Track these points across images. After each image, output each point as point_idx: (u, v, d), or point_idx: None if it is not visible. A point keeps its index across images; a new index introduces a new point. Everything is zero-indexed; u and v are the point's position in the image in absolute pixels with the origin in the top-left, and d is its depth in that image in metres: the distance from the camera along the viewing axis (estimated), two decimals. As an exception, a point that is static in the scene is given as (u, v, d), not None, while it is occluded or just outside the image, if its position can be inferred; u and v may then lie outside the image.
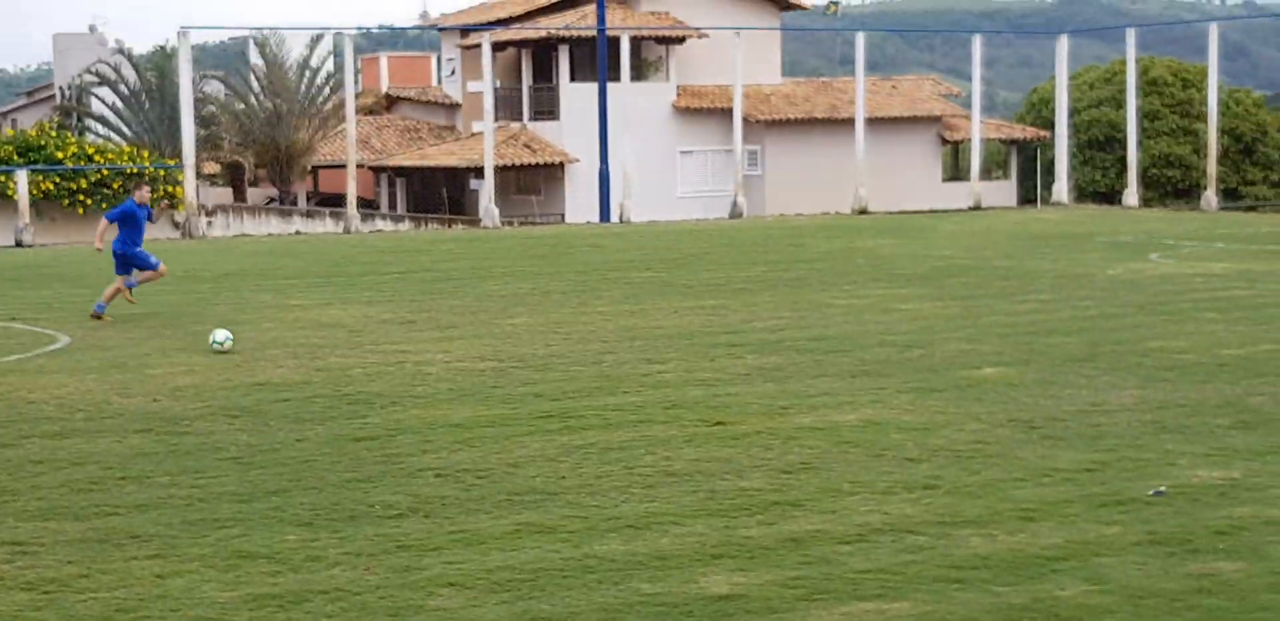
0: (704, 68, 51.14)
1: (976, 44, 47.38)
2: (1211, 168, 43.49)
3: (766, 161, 50.68)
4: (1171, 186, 51.49)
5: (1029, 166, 51.14)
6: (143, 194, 20.42)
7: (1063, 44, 47.74)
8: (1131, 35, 46.60)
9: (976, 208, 44.37)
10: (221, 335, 16.64)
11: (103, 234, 20.35)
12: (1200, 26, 50.70)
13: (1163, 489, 9.85)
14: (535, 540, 8.98)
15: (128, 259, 19.99)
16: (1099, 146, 52.03)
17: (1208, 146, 44.10)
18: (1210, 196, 42.98)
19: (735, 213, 43.10)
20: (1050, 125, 49.11)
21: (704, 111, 50.67)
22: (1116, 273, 24.11)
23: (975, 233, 34.17)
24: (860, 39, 45.89)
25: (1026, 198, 50.69)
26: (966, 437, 11.68)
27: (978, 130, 46.75)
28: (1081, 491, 9.91)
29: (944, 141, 53.58)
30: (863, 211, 42.59)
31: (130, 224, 19.92)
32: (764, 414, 12.75)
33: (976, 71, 46.83)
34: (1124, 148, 46.63)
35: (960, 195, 47.15)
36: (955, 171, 54.08)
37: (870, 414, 12.72)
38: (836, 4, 55.46)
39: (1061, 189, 46.72)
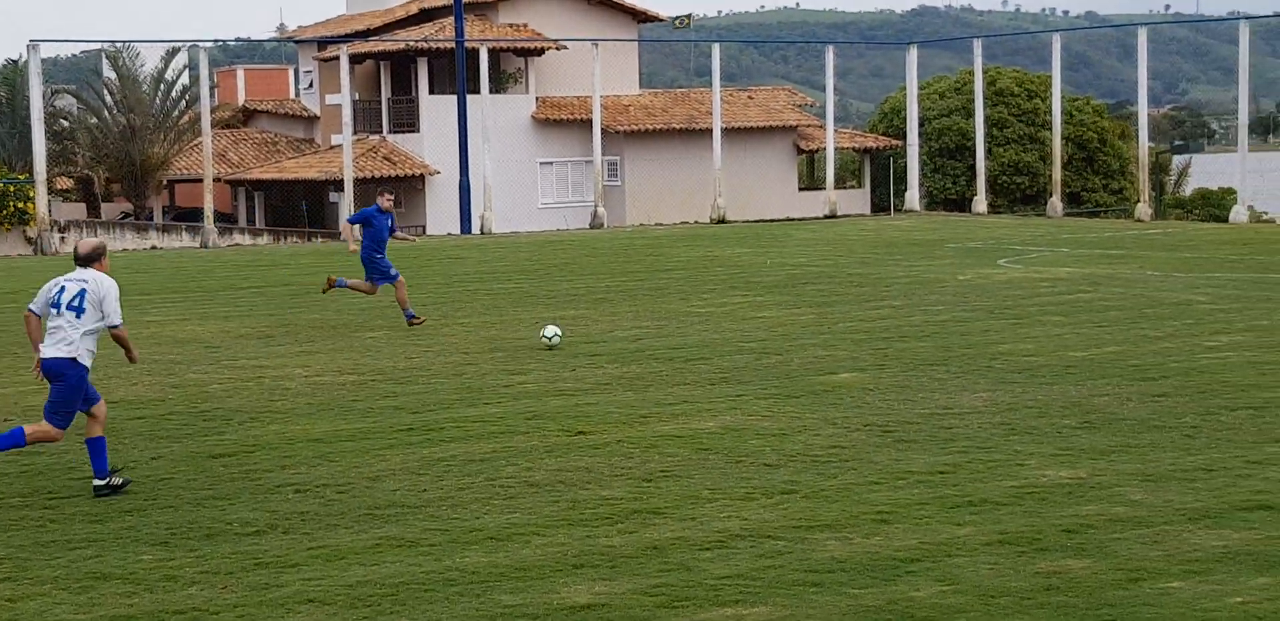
0: (563, 79, 51.27)
1: (829, 55, 48.07)
2: (1056, 175, 44.51)
3: (626, 172, 50.91)
4: (1019, 193, 52.58)
5: (882, 175, 51.92)
6: (384, 200, 20.05)
7: (912, 55, 48.59)
8: (978, 46, 47.59)
9: (832, 216, 44.94)
10: (551, 331, 17.58)
11: (352, 235, 20.13)
12: (1044, 37, 51.89)
13: None
14: (396, 554, 8.97)
15: (369, 264, 19.83)
16: (949, 154, 52.97)
17: (1053, 154, 45.14)
18: (1055, 203, 43.99)
19: (596, 223, 43.22)
20: (902, 134, 49.94)
21: (563, 123, 50.80)
22: (967, 278, 24.58)
23: (830, 240, 34.62)
24: (716, 50, 46.32)
25: (880, 205, 51.46)
26: (823, 442, 11.87)
27: (832, 140, 47.41)
28: (934, 493, 10.13)
29: (799, 151, 54.21)
30: (721, 220, 42.93)
31: (372, 229, 19.72)
32: (624, 423, 12.84)
33: (830, 82, 47.48)
34: (973, 156, 47.56)
35: (816, 203, 47.76)
36: (811, 180, 54.75)
37: (729, 421, 12.87)
38: (689, 16, 55.83)
39: (913, 196, 47.55)
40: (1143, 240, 33.03)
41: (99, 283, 10.64)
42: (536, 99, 51.05)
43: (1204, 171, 59.37)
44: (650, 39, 65.12)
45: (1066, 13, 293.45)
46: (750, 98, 55.17)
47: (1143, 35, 42.36)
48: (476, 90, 42.28)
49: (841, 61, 52.87)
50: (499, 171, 44.06)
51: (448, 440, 12.25)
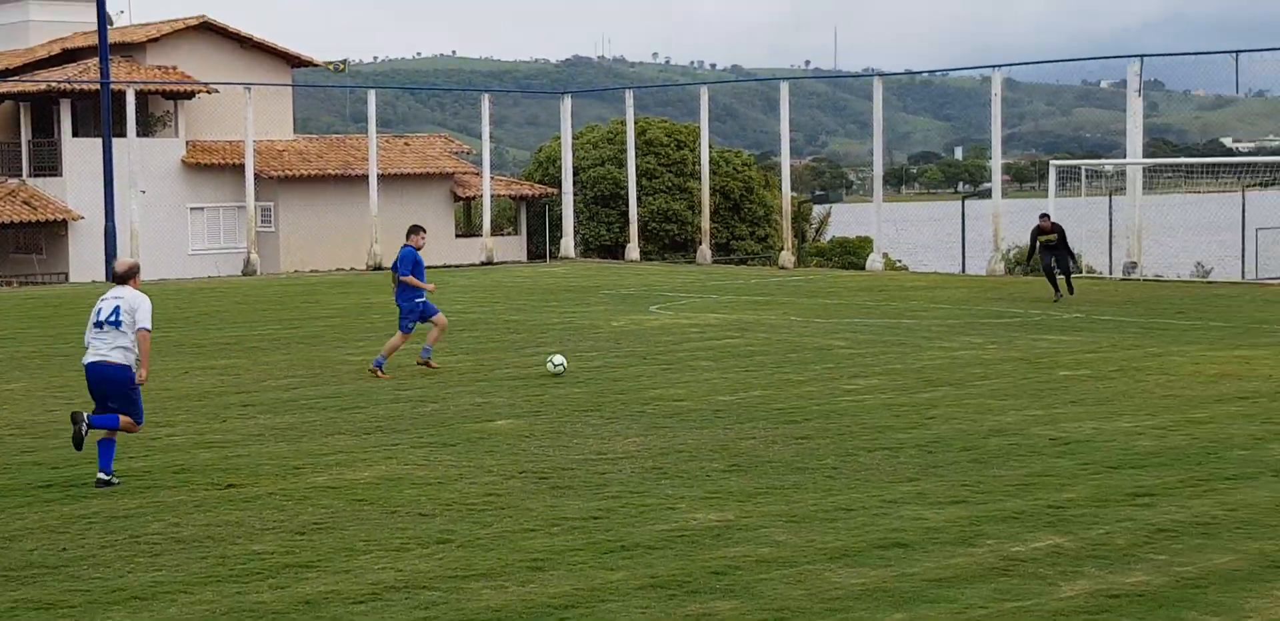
0: (214, 123, 50.13)
1: (485, 103, 48.48)
2: (705, 223, 45.84)
3: (280, 218, 50.02)
4: (669, 240, 53.85)
5: (538, 222, 52.41)
6: (417, 239, 19.82)
7: (566, 104, 49.41)
8: (630, 97, 48.73)
9: (489, 262, 45.19)
10: (559, 359, 18.67)
11: (416, 282, 19.53)
12: (693, 89, 53.45)
13: None
14: (33, 617, 8.60)
15: (417, 309, 19.44)
16: (603, 202, 53.88)
17: (701, 203, 46.48)
18: (704, 250, 45.28)
19: (249, 270, 42.37)
20: (557, 182, 50.65)
21: (215, 167, 49.62)
22: (620, 324, 25.05)
23: (487, 287, 34.79)
24: (372, 96, 46.13)
25: (536, 252, 51.91)
26: (479, 490, 11.90)
27: (488, 187, 47.76)
28: (588, 539, 10.27)
29: (456, 198, 54.29)
30: (377, 267, 42.63)
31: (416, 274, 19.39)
32: (277, 475, 12.62)
33: (486, 130, 47.87)
34: (626, 204, 48.58)
35: (473, 250, 47.94)
36: (468, 227, 54.85)
37: (384, 470, 12.79)
38: (345, 61, 55.45)
39: (569, 243, 48.26)
40: (786, 287, 34.26)
41: (132, 297, 12.33)
42: (187, 143, 49.78)
43: (842, 220, 61.93)
44: (305, 84, 64.34)
45: (714, 66, 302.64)
46: (407, 144, 55.03)
47: (785, 89, 44.07)
48: (123, 133, 41.00)
49: (498, 109, 53.36)
50: (147, 217, 42.79)
51: (89, 496, 11.81)
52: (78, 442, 12.21)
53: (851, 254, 51.47)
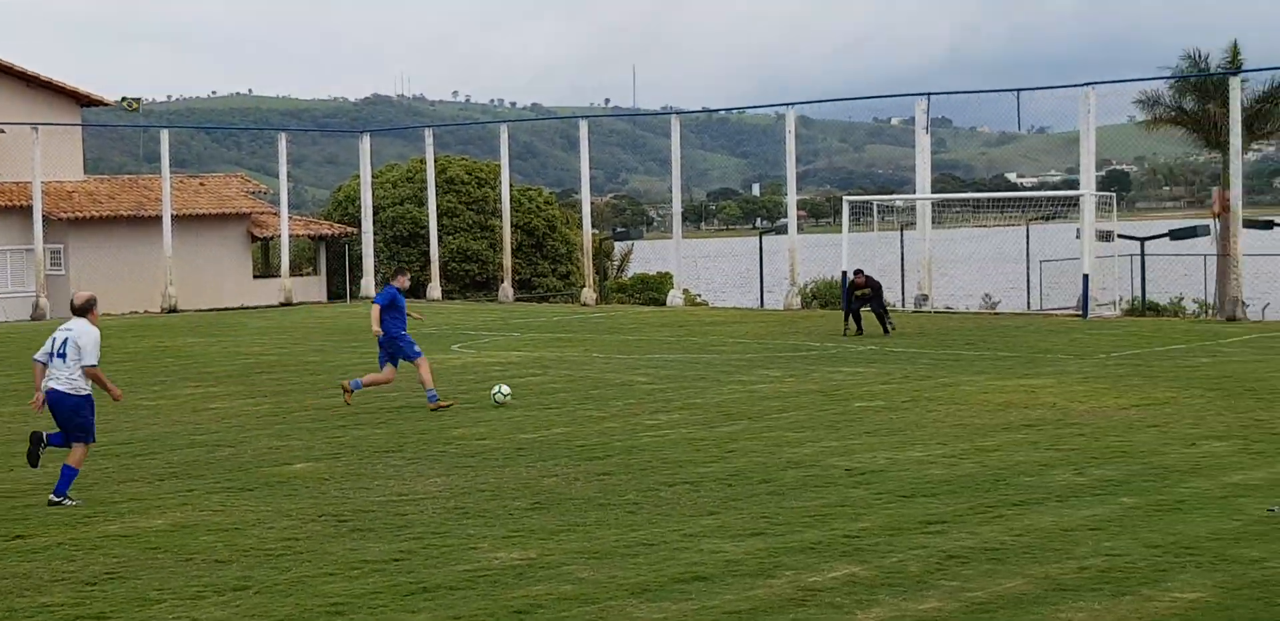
0: (1, 164, 48.73)
1: (282, 142, 47.96)
2: (507, 261, 45.88)
3: (70, 260, 48.72)
4: (470, 279, 53.70)
5: (338, 262, 51.88)
6: (404, 280, 20.52)
7: (365, 143, 49.14)
8: (429, 135, 48.66)
9: (288, 303, 44.62)
10: (506, 389, 19.47)
11: (376, 317, 19.78)
12: (493, 128, 53.52)
13: (1274, 508, 11.55)
14: None
15: (396, 343, 19.87)
16: (404, 242, 53.53)
17: (502, 241, 46.51)
18: (507, 288, 45.30)
19: (38, 314, 41.23)
20: (357, 221, 50.27)
21: (2, 210, 48.21)
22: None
23: (286, 328, 34.34)
24: (165, 136, 45.37)
25: (336, 292, 51.35)
26: (277, 535, 11.74)
27: (286, 227, 47.19)
28: (389, 581, 10.19)
29: (254, 238, 53.47)
30: (172, 310, 41.83)
31: (396, 310, 19.92)
32: (66, 524, 12.30)
33: (283, 169, 47.35)
34: (427, 243, 48.38)
35: (272, 291, 47.26)
36: (266, 267, 54.07)
37: (179, 517, 12.54)
38: (138, 100, 54.37)
39: (369, 283, 47.88)
40: (588, 323, 34.43)
41: (81, 331, 13.24)
42: (-30, 184, 48.28)
43: (643, 257, 62.41)
44: (96, 123, 62.89)
45: (514, 104, 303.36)
46: (202, 184, 54.09)
47: (584, 127, 44.41)
48: (-100, 174, 39.65)
49: (296, 149, 52.84)
50: (-73, 260, 41.40)
51: None
52: (32, 460, 13.53)
53: (652, 290, 51.87)
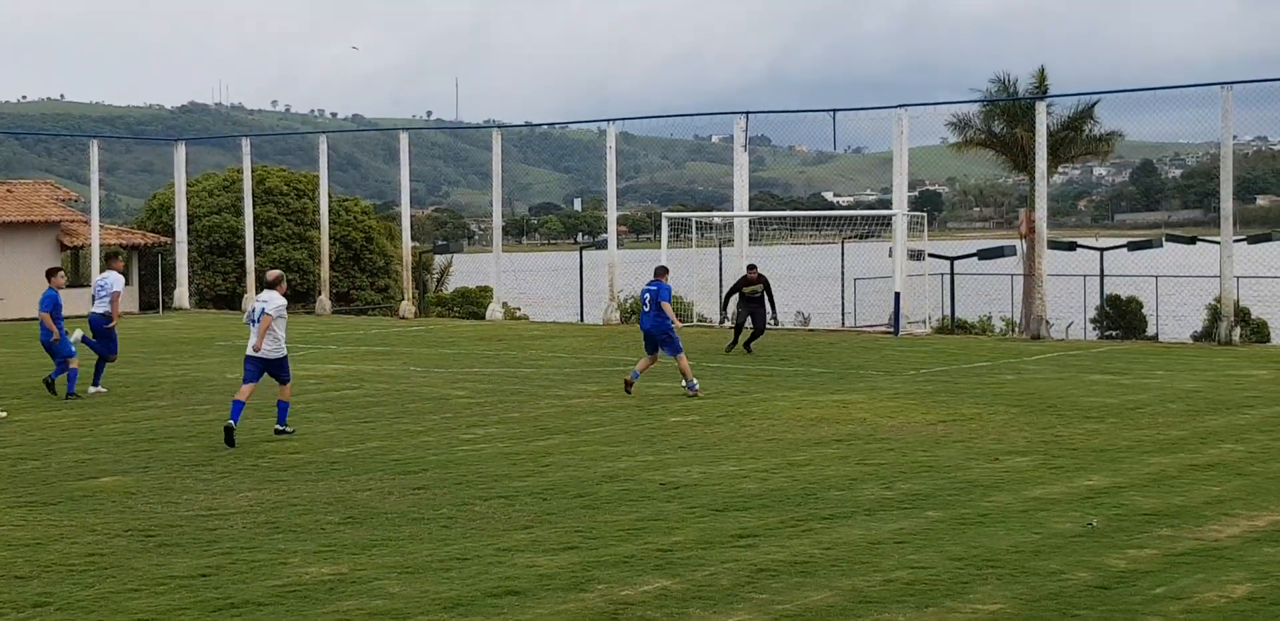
0: None
1: (94, 149, 46.88)
2: (324, 273, 45.38)
3: None
4: (291, 291, 53.01)
5: (151, 272, 50.84)
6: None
7: (180, 151, 48.24)
8: (247, 144, 47.91)
9: (97, 314, 43.47)
10: None
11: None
12: (312, 138, 52.93)
13: (1093, 522, 11.87)
14: None
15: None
16: (219, 252, 52.66)
17: (320, 252, 45.99)
18: (324, 301, 44.81)
19: None
20: (171, 231, 49.30)
21: None
22: (235, 376, 24.37)
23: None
24: (-32, 139, 43.93)
25: (149, 303, 50.28)
26: (81, 550, 11.48)
27: (97, 236, 46.09)
28: (196, 597, 10.03)
29: (64, 247, 52.14)
30: (-25, 319, 40.57)
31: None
32: None
33: (95, 176, 46.28)
34: (244, 253, 47.63)
35: (82, 301, 46.06)
36: (76, 277, 52.72)
37: (-22, 533, 12.18)
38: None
39: (183, 294, 46.99)
40: (406, 336, 34.21)
41: (267, 300, 17.64)
42: None
43: (464, 270, 62.14)
44: (-106, 125, 60.95)
45: (335, 114, 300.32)
46: (10, 191, 52.58)
47: (405, 139, 44.14)
48: None
49: (109, 156, 51.69)
50: None
51: None
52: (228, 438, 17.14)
53: (473, 304, 51.69)
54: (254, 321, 17.59)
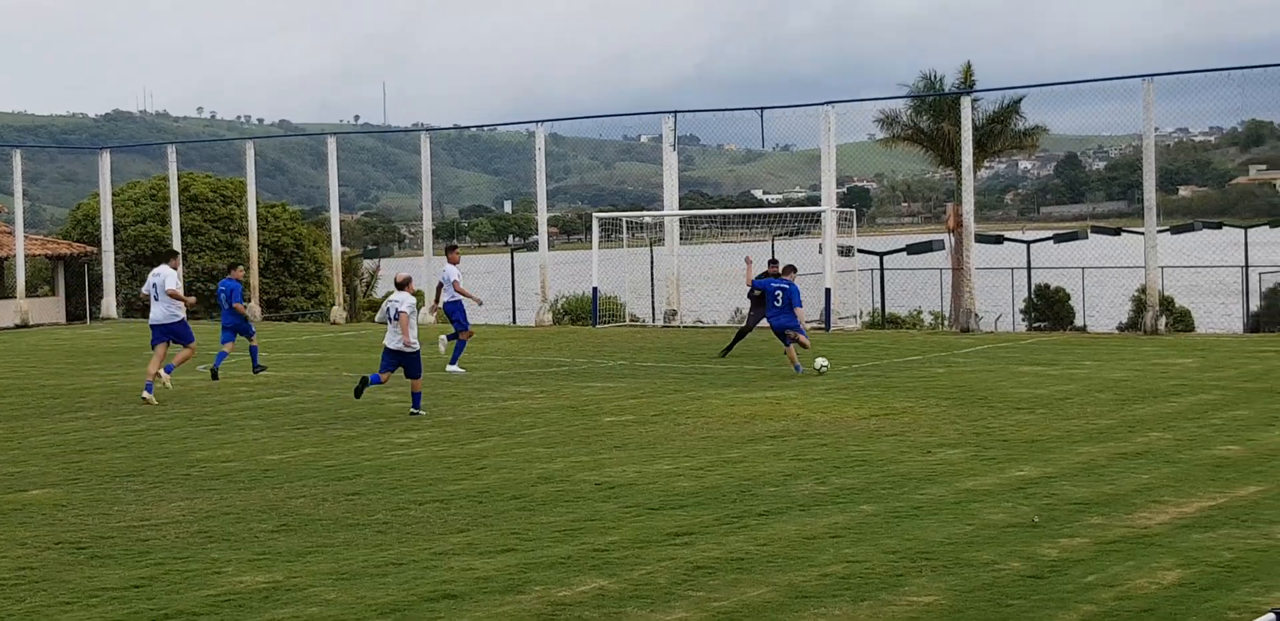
0: None
1: (17, 159, 46.31)
2: (254, 280, 45.03)
3: None
4: (214, 300, 52.59)
5: (77, 282, 50.33)
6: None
7: (105, 160, 47.78)
8: (172, 152, 47.55)
9: (24, 325, 43.07)
10: (821, 361, 23.37)
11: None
12: (239, 144, 52.52)
13: (1036, 518, 11.93)
14: None
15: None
16: (146, 261, 52.10)
17: (249, 259, 45.66)
18: (254, 308, 44.42)
19: None
20: (97, 240, 48.83)
21: None
22: (164, 384, 24.27)
23: (22, 351, 33.17)
24: (-114, 151, 43.27)
25: (76, 313, 49.79)
26: (11, 564, 11.34)
27: (22, 246, 45.58)
28: (129, 609, 9.93)
29: (-14, 258, 51.57)
30: (-102, 333, 39.99)
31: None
32: None
33: (18, 186, 45.76)
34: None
35: (6, 313, 45.57)
36: (0, 289, 52.15)
37: (-95, 550, 12.01)
38: None
39: (110, 303, 46.53)
40: (338, 342, 34.03)
41: (399, 300, 19.79)
42: None
43: (394, 275, 61.98)
44: None
45: (261, 121, 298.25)
46: (-72, 202, 51.98)
47: (332, 144, 43.90)
48: None
49: (32, 166, 51.14)
50: None
51: None
52: (357, 394, 20.46)
53: (404, 308, 51.45)
54: (392, 319, 19.68)
